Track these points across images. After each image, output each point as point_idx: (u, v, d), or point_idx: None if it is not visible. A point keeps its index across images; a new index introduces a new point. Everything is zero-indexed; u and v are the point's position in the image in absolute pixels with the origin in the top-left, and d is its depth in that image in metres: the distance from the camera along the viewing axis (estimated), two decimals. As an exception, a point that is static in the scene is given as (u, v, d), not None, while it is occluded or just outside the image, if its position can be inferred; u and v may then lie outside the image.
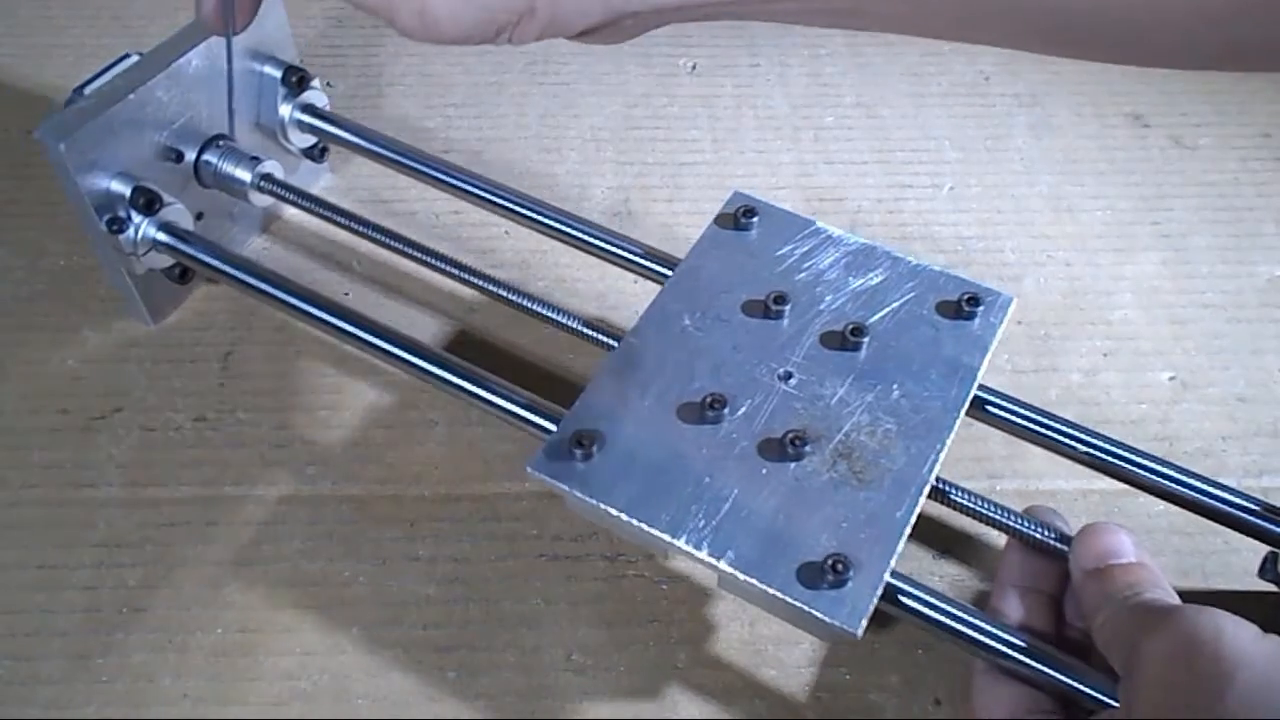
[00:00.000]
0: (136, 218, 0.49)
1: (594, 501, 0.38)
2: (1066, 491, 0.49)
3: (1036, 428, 0.44)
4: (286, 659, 0.44)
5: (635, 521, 0.38)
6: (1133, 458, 0.43)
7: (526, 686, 0.44)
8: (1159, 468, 0.43)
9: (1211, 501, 0.42)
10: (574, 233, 0.52)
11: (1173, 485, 0.42)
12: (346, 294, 0.56)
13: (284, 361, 0.54)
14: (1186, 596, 0.36)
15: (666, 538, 0.37)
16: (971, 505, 0.41)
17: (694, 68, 0.71)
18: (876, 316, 0.44)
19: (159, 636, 0.45)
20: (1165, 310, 0.57)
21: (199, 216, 0.54)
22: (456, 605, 0.46)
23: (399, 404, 0.52)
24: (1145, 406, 0.53)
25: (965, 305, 0.44)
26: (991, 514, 0.41)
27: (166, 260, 0.52)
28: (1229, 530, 0.43)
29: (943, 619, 0.38)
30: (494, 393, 0.44)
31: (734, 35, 0.73)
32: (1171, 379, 0.54)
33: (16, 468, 0.50)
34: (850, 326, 0.43)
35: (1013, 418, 0.44)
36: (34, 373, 0.53)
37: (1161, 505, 0.44)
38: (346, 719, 0.43)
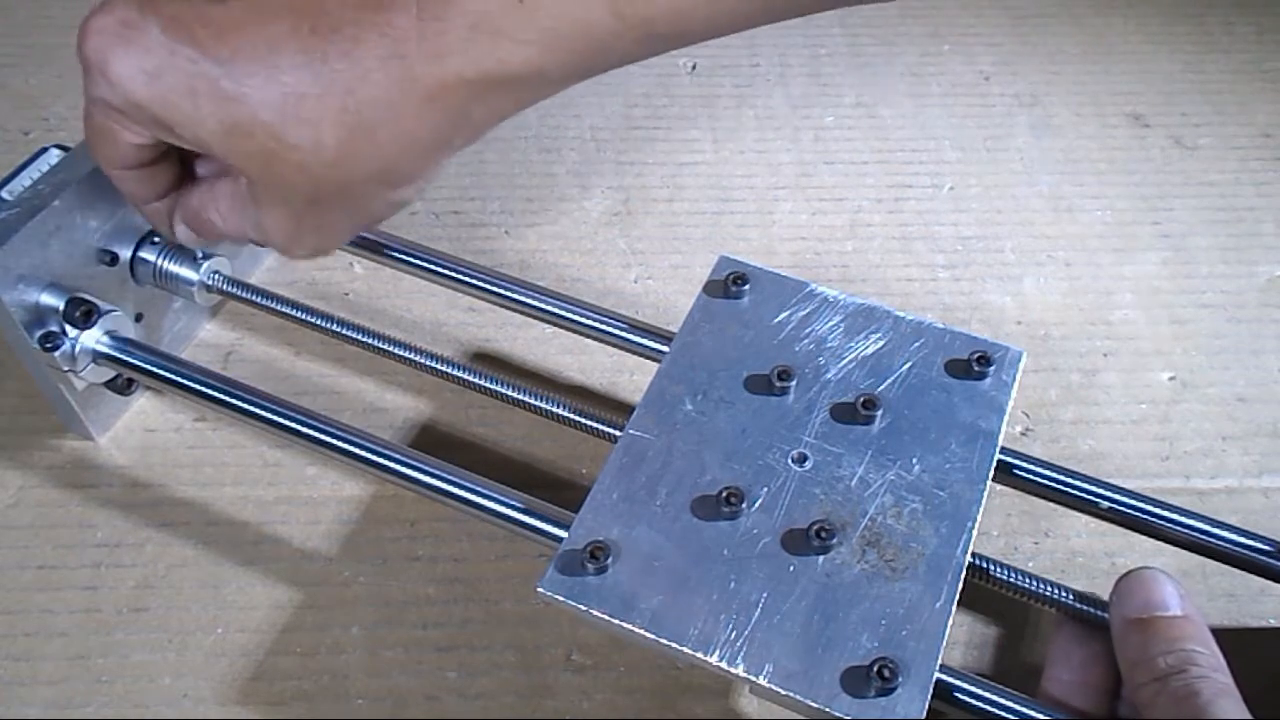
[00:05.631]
0: (72, 331, 0.45)
1: (617, 621, 0.36)
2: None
3: (1055, 485, 0.43)
4: (286, 659, 0.44)
5: (662, 639, 0.35)
6: (1160, 512, 0.42)
7: (526, 686, 0.44)
8: (1190, 521, 0.41)
9: (1245, 553, 0.41)
10: (548, 309, 0.49)
11: (1204, 538, 0.41)
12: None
13: (284, 362, 0.54)
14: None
15: (699, 655, 0.35)
16: (1012, 581, 0.39)
17: (694, 68, 0.71)
18: (885, 384, 0.42)
19: (159, 636, 0.45)
20: (1165, 310, 0.57)
21: (138, 318, 0.50)
22: (456, 605, 0.46)
23: (399, 405, 0.52)
24: (1145, 406, 0.53)
25: (975, 365, 0.43)
26: (1034, 589, 0.39)
27: (108, 373, 0.48)
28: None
29: (998, 712, 0.36)
30: (485, 497, 0.41)
31: (734, 35, 0.73)
32: (1171, 379, 0.54)
33: (16, 468, 0.50)
34: (862, 399, 0.41)
35: (1031, 477, 0.43)
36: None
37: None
38: (346, 719, 0.43)
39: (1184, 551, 0.42)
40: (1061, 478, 0.43)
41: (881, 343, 0.44)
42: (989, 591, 0.40)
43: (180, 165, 0.41)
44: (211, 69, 0.34)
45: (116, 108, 0.36)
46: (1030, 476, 0.43)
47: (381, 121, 0.34)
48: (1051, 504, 0.44)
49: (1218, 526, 0.41)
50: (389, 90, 0.34)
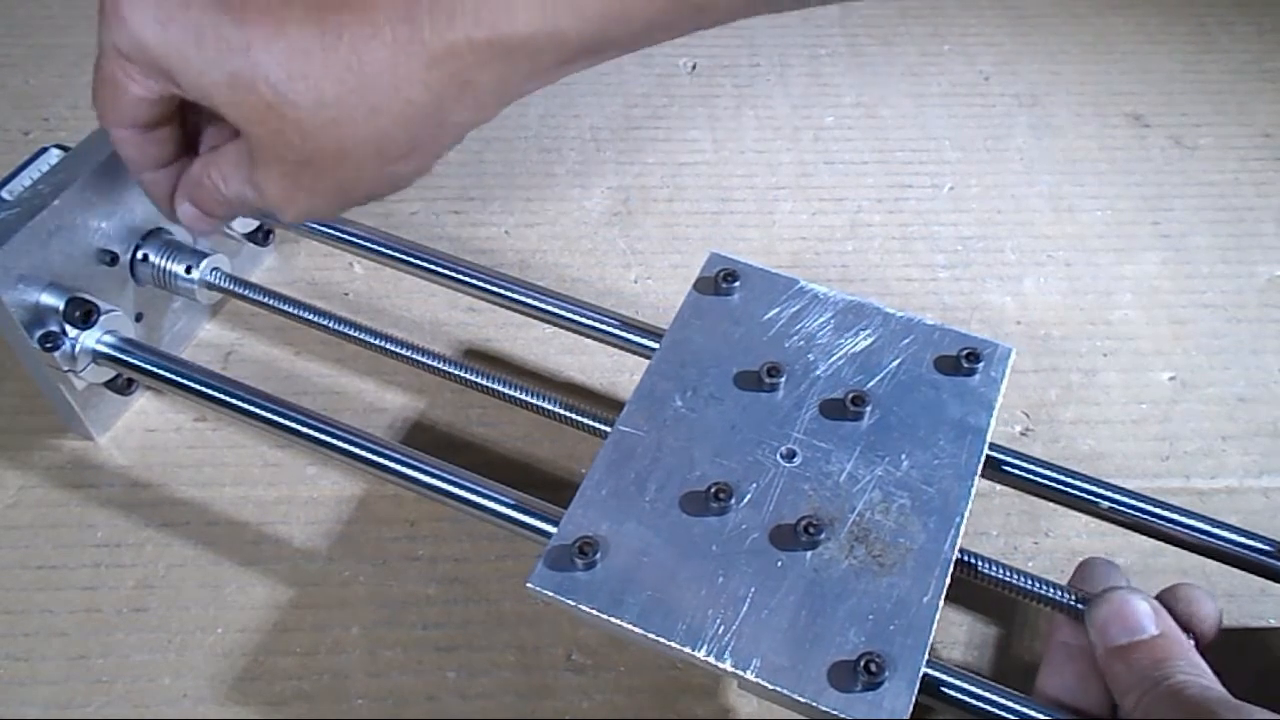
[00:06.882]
0: (72, 331, 0.45)
1: (605, 616, 0.36)
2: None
3: (1055, 485, 0.43)
4: (286, 659, 0.44)
5: (650, 634, 0.36)
6: (1160, 512, 0.42)
7: (526, 686, 0.44)
8: (1190, 521, 0.41)
9: (1245, 553, 0.41)
10: (548, 309, 0.49)
11: (1205, 538, 0.41)
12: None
13: (284, 362, 0.54)
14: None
15: (687, 650, 0.35)
16: (1003, 578, 0.39)
17: (694, 68, 0.71)
18: (874, 380, 0.42)
19: (159, 636, 0.45)
20: (1165, 310, 0.57)
21: (138, 318, 0.50)
22: (456, 605, 0.46)
23: (399, 405, 0.52)
24: (1145, 406, 0.53)
25: (965, 362, 0.43)
26: (1025, 586, 0.39)
27: (108, 372, 0.48)
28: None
29: (987, 708, 0.36)
30: (478, 494, 0.41)
31: (734, 35, 0.73)
32: (1171, 379, 0.54)
33: (16, 468, 0.50)
34: (851, 395, 0.41)
35: (1029, 476, 0.43)
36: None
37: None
38: (346, 719, 0.43)
39: (1184, 551, 0.42)
40: (1061, 477, 0.43)
41: (871, 339, 0.44)
42: (989, 591, 0.40)
43: (183, 136, 0.40)
44: (221, 18, 0.34)
45: (126, 54, 0.36)
46: (1030, 476, 0.43)
47: (384, 85, 0.34)
48: (1051, 504, 0.44)
49: (1218, 526, 0.41)
50: (394, 53, 0.33)
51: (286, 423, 0.44)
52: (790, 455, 0.40)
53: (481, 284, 0.50)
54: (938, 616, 0.36)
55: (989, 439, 0.41)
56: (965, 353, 0.43)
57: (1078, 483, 0.43)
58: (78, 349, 0.46)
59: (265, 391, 0.45)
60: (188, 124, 0.40)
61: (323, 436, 0.43)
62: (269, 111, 0.34)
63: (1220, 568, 0.42)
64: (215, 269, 0.50)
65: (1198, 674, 0.35)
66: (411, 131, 0.35)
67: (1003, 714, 0.36)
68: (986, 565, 0.40)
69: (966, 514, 0.39)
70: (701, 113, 0.68)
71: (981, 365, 0.43)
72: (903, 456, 0.40)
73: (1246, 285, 0.59)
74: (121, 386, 0.50)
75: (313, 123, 0.34)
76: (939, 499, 0.39)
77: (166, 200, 0.42)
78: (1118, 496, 0.42)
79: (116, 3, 0.35)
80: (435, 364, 0.46)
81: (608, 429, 0.43)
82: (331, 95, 0.34)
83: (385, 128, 0.35)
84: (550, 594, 0.37)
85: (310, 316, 0.49)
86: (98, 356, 0.47)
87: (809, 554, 0.38)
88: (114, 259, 0.48)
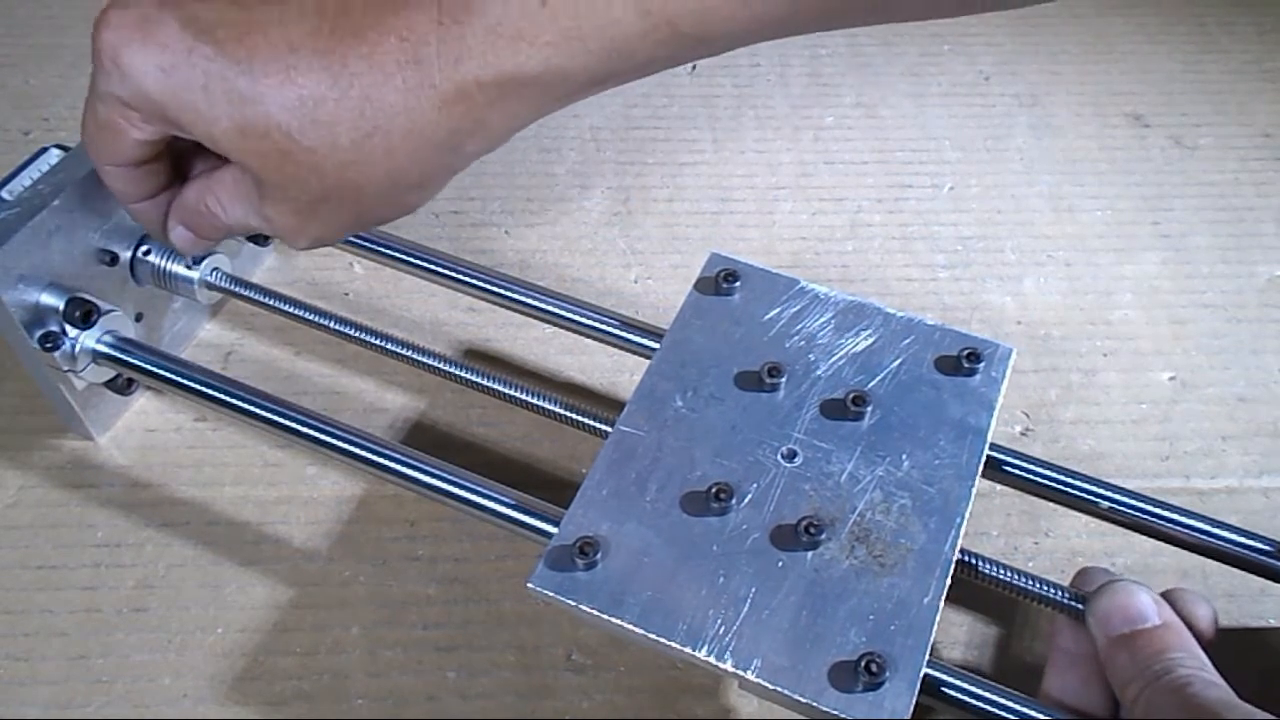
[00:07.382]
0: (72, 331, 0.45)
1: (605, 616, 0.36)
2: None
3: (1055, 485, 0.43)
4: (286, 659, 0.44)
5: (650, 634, 0.36)
6: (1160, 512, 0.42)
7: (526, 686, 0.44)
8: (1190, 521, 0.41)
9: (1245, 553, 0.41)
10: (548, 309, 0.49)
11: (1205, 538, 0.41)
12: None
13: (284, 362, 0.54)
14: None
15: (687, 650, 0.35)
16: (1004, 578, 0.39)
17: (694, 68, 0.71)
18: (875, 380, 0.43)
19: (159, 636, 0.45)
20: (1165, 310, 0.57)
21: (138, 318, 0.50)
22: (456, 605, 0.46)
23: (399, 405, 0.52)
24: (1145, 406, 0.53)
25: (965, 362, 0.43)
26: (1026, 586, 0.39)
27: (108, 372, 0.48)
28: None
29: (988, 708, 0.36)
30: (479, 494, 0.41)
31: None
32: (1171, 379, 0.54)
33: (16, 468, 0.50)
34: (852, 395, 0.41)
35: (1030, 477, 0.43)
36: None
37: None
38: (346, 719, 0.43)
39: (1184, 551, 0.42)
40: (1061, 477, 0.43)
41: (872, 340, 0.44)
42: (989, 591, 0.40)
43: (173, 165, 0.40)
44: (228, 69, 0.34)
45: (126, 102, 0.36)
46: (1029, 476, 0.43)
47: (397, 126, 0.34)
48: (1051, 504, 0.44)
49: (1218, 526, 0.41)
50: (406, 95, 0.34)
51: (286, 423, 0.44)
52: (791, 455, 0.40)
53: (481, 284, 0.50)
54: (938, 617, 0.36)
55: (989, 439, 0.41)
56: (966, 353, 0.43)
57: (1078, 483, 0.43)
58: (78, 349, 0.46)
59: (265, 391, 0.45)
60: (176, 151, 0.40)
61: (323, 436, 0.43)
62: (283, 158, 0.35)
63: (1220, 568, 0.42)
64: (215, 269, 0.50)
65: (1200, 667, 0.35)
66: (425, 165, 0.36)
67: (1003, 714, 0.36)
68: (987, 565, 0.40)
69: (967, 514, 0.39)
70: (701, 113, 0.68)
71: (982, 365, 0.43)
72: (903, 456, 0.40)
73: (1246, 285, 0.59)
74: (121, 386, 0.50)
75: (327, 165, 0.35)
76: (939, 499, 0.39)
77: (158, 226, 0.42)
78: (1118, 496, 0.42)
79: (115, 50, 0.35)
80: (435, 364, 0.46)
81: (608, 429, 0.43)
82: (346, 140, 0.34)
83: (400, 165, 0.35)
84: (550, 594, 0.37)
85: (310, 316, 0.49)
86: (98, 356, 0.47)
87: (810, 554, 0.38)
88: (114, 259, 0.48)
